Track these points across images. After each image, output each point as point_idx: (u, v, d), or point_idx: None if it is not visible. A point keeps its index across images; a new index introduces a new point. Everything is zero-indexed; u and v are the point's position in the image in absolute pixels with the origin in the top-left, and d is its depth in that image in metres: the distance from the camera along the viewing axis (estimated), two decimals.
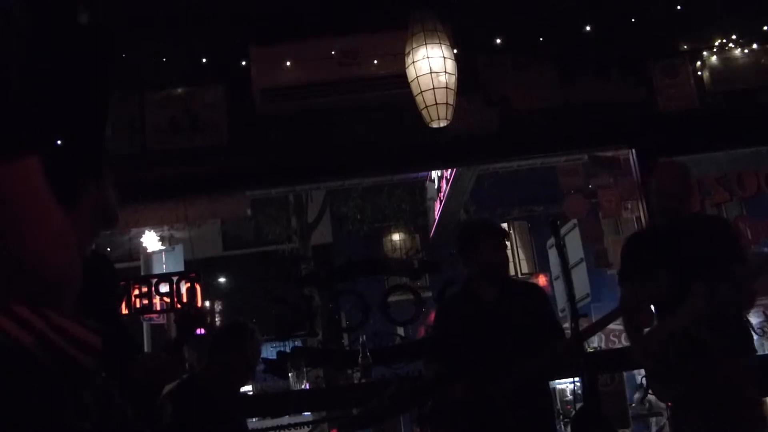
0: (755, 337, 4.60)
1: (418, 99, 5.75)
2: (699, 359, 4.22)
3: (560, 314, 9.59)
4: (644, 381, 4.71)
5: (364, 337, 6.62)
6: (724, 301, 4.21)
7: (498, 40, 6.59)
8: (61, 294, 1.25)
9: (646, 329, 4.65)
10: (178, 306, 7.22)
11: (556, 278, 10.95)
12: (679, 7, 6.58)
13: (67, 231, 1.29)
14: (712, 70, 6.68)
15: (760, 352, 4.58)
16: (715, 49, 6.72)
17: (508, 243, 5.00)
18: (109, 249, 11.46)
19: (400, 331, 8.31)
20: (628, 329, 4.76)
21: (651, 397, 5.27)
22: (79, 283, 1.30)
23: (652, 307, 4.71)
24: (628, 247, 4.87)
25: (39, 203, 1.23)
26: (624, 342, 10.38)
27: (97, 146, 3.68)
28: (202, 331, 4.55)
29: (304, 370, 6.78)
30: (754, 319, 7.41)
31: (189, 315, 3.64)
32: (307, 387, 6.90)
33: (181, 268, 9.34)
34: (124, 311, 7.22)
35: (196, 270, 7.97)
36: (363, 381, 6.35)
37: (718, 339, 4.21)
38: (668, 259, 4.45)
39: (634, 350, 4.71)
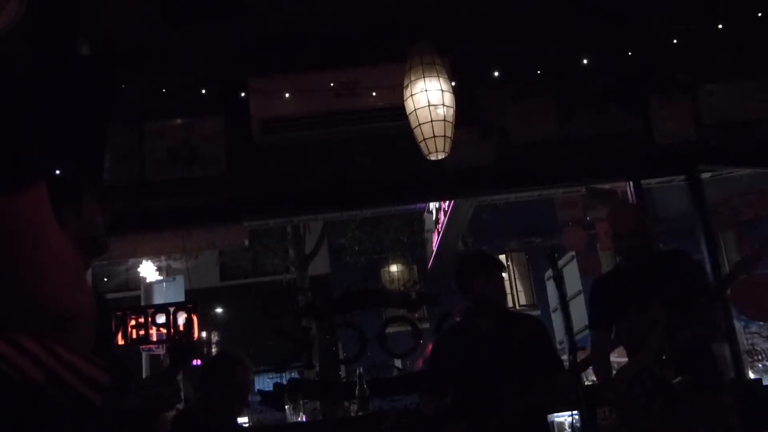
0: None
1: (416, 131, 5.76)
2: (663, 397, 4.21)
3: (558, 347, 9.57)
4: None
5: (362, 368, 6.59)
6: (687, 335, 4.22)
7: (496, 73, 6.63)
8: (72, 329, 1.23)
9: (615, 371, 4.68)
10: (174, 337, 7.19)
11: (554, 310, 10.92)
12: (676, 41, 6.62)
13: (78, 265, 1.28)
14: (709, 102, 6.70)
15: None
16: (711, 82, 6.75)
17: (505, 275, 5.01)
18: (106, 279, 11.46)
19: (398, 363, 8.28)
20: (597, 372, 4.77)
21: None
22: (93, 322, 1.29)
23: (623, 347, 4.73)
24: (594, 293, 4.88)
25: (48, 235, 1.22)
26: None
27: (76, 174, 3.68)
28: (198, 362, 4.53)
29: (301, 402, 6.75)
30: (764, 344, 7.40)
31: (181, 346, 3.62)
32: (304, 419, 6.86)
33: (182, 298, 9.32)
34: (121, 342, 7.20)
35: (193, 301, 7.95)
36: (360, 413, 6.32)
37: (680, 376, 4.20)
38: (633, 301, 4.46)
39: (604, 393, 4.71)
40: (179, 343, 3.75)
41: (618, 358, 4.94)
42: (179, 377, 3.62)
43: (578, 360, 4.28)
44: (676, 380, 4.18)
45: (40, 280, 1.17)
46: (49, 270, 1.18)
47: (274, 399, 6.75)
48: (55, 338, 1.20)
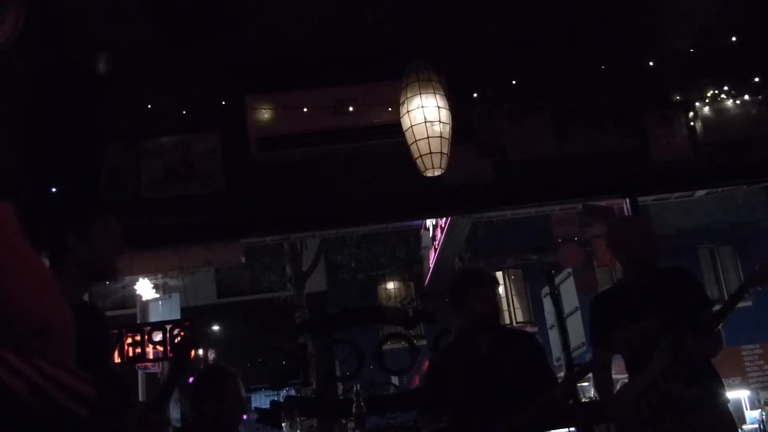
0: None
1: (413, 148, 5.77)
2: (670, 413, 4.20)
3: (555, 363, 9.56)
4: None
5: (359, 386, 6.57)
6: (691, 351, 4.21)
7: (493, 90, 6.64)
8: (49, 342, 1.24)
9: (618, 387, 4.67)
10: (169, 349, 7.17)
11: (551, 327, 10.92)
12: (672, 58, 6.65)
13: (49, 276, 1.30)
14: (705, 121, 6.72)
15: None
16: (708, 101, 6.77)
17: (501, 290, 5.02)
18: (102, 296, 11.44)
19: (395, 380, 8.26)
20: (599, 389, 4.76)
21: None
22: (72, 332, 1.30)
23: (624, 362, 4.71)
24: (595, 310, 4.85)
25: (15, 249, 1.24)
26: None
27: (85, 200, 3.68)
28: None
29: (298, 419, 6.72)
30: None
31: (186, 342, 3.58)
32: None
33: (177, 316, 9.33)
34: (117, 360, 7.18)
35: (189, 318, 7.94)
36: (357, 431, 6.30)
37: (688, 390, 4.20)
38: (637, 316, 4.44)
39: (606, 409, 4.69)
40: (183, 338, 3.70)
41: (617, 374, 4.92)
42: (176, 396, 3.61)
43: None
44: (682, 396, 4.18)
45: (11, 293, 1.18)
46: (19, 282, 1.20)
47: (271, 417, 6.72)
48: (33, 350, 1.21)
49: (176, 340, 6.94)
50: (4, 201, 1.24)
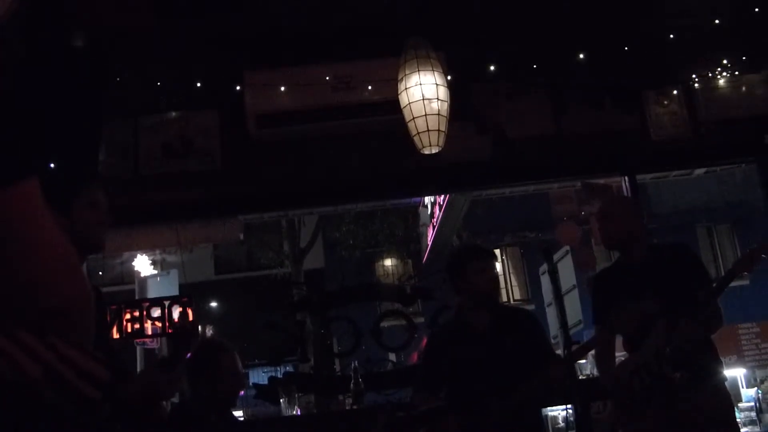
0: None
1: (411, 125, 5.76)
2: (662, 393, 4.21)
3: (553, 341, 9.58)
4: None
5: (356, 362, 6.59)
6: (687, 331, 4.20)
7: (492, 68, 6.62)
8: (67, 322, 1.24)
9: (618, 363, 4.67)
10: (170, 331, 7.18)
11: (549, 305, 10.92)
12: (671, 36, 6.62)
13: (72, 255, 1.29)
14: (704, 99, 6.71)
15: None
16: (706, 79, 6.75)
17: (498, 265, 5.00)
18: (100, 273, 11.45)
19: (392, 356, 8.29)
20: (600, 365, 4.76)
21: None
22: (92, 312, 1.30)
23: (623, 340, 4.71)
24: (596, 288, 4.83)
25: (40, 227, 1.23)
26: None
27: (70, 172, 3.66)
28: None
29: (296, 395, 6.75)
30: None
31: (183, 331, 3.58)
32: (299, 413, 6.86)
33: (176, 292, 9.34)
34: (116, 335, 7.19)
35: (187, 294, 7.94)
36: (354, 407, 6.33)
37: (684, 369, 4.20)
38: (636, 295, 4.44)
39: (604, 385, 4.70)
40: (182, 328, 3.69)
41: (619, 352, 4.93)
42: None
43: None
44: (674, 376, 4.18)
45: (33, 272, 1.18)
46: (40, 261, 1.19)
47: (269, 392, 6.75)
48: (51, 329, 1.21)
49: (172, 329, 6.92)
50: (29, 178, 1.23)
